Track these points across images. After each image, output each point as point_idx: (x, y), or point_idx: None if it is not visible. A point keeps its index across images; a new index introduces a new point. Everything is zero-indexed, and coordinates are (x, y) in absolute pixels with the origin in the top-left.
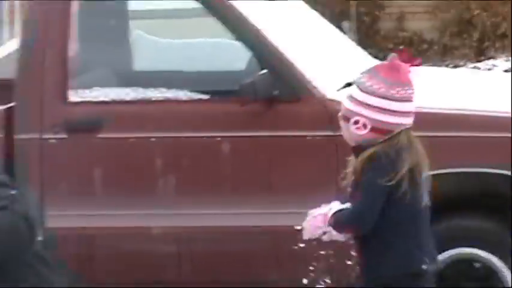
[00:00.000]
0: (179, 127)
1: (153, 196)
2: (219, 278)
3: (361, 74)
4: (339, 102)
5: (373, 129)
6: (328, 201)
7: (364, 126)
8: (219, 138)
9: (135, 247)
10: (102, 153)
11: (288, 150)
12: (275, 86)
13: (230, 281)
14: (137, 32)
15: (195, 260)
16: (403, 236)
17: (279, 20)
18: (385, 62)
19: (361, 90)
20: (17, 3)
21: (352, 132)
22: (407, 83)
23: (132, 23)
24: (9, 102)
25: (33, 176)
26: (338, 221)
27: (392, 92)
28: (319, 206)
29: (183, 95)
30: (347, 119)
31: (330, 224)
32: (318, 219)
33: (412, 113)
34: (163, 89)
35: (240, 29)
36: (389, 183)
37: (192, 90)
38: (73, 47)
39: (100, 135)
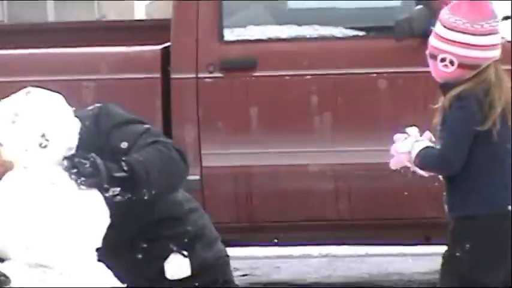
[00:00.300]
0: (334, 64)
1: (308, 134)
2: (378, 215)
3: (445, 9)
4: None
5: (460, 66)
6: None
7: (451, 63)
8: (374, 75)
9: (291, 185)
10: (257, 92)
11: None
12: (431, 22)
13: (388, 218)
14: None
15: (352, 198)
16: (488, 175)
17: None
18: None
19: (445, 26)
20: None
21: (439, 70)
22: (490, 16)
23: None
24: (166, 42)
25: (189, 115)
26: (424, 163)
27: (476, 26)
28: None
29: (338, 32)
30: (434, 57)
31: (415, 164)
32: (401, 158)
33: (499, 45)
34: (318, 27)
35: None
36: (478, 128)
37: (347, 27)
38: None
39: (256, 74)
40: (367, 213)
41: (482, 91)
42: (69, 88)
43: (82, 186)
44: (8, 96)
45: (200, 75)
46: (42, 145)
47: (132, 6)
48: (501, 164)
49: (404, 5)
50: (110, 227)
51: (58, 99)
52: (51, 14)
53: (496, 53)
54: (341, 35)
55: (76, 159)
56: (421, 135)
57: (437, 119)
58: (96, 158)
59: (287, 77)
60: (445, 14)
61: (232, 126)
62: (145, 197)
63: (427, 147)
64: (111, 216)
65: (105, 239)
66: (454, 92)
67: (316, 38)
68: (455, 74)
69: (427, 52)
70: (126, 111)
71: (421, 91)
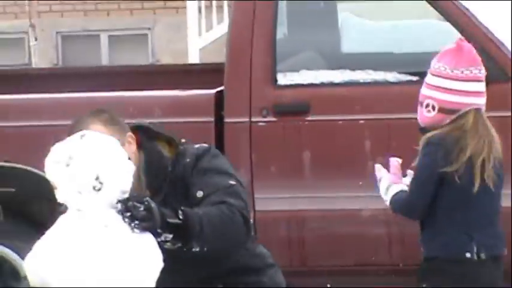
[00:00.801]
0: (388, 109)
1: (362, 178)
2: None
3: (435, 58)
4: None
5: (440, 110)
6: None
7: (433, 108)
8: None
9: (345, 230)
10: (310, 136)
11: (499, 129)
12: (484, 66)
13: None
14: (345, 13)
15: (406, 242)
16: (451, 219)
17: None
18: (451, 45)
19: (431, 73)
20: None
21: (423, 116)
22: (472, 63)
23: (340, 5)
24: (219, 86)
25: (242, 159)
26: (393, 208)
27: (456, 72)
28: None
29: (391, 77)
30: (421, 104)
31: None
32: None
33: (482, 93)
34: (371, 71)
35: (448, 8)
36: (442, 170)
37: (400, 72)
38: (282, 30)
39: (309, 118)
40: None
41: (454, 137)
42: None
43: (135, 230)
44: (62, 139)
45: (253, 119)
46: (96, 188)
47: (186, 50)
48: (465, 209)
49: None
50: (187, 264)
51: (112, 142)
52: (105, 51)
53: (478, 101)
54: (394, 80)
55: (130, 203)
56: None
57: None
58: (151, 202)
59: (340, 122)
60: (432, 62)
61: (285, 170)
62: (197, 250)
63: (401, 191)
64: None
65: (182, 274)
66: (424, 137)
67: (369, 83)
68: (436, 118)
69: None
70: (228, 162)
71: None
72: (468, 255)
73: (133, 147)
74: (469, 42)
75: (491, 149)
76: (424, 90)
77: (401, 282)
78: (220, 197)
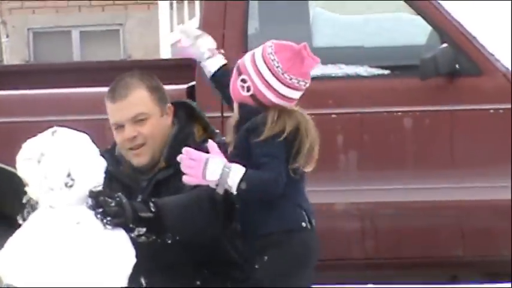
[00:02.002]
0: (360, 103)
1: (335, 172)
2: (402, 254)
3: (271, 43)
4: None
5: (252, 96)
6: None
7: (248, 89)
8: (400, 113)
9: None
10: None
11: (471, 124)
12: (456, 60)
13: (413, 257)
14: (317, 8)
15: (378, 237)
16: (284, 195)
17: None
18: (295, 46)
19: (263, 57)
20: None
21: (236, 87)
22: (304, 76)
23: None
24: (191, 81)
25: None
26: (252, 188)
27: (286, 76)
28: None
29: (363, 70)
30: (239, 72)
31: (238, 190)
32: (207, 182)
33: (294, 100)
34: (343, 65)
35: (420, 2)
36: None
37: (372, 66)
38: (253, 25)
39: None
40: (393, 252)
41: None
42: (95, 127)
43: (107, 226)
44: (34, 136)
45: (225, 114)
46: (68, 184)
47: (158, 45)
48: (294, 187)
49: (430, 43)
50: (173, 248)
51: (84, 138)
52: (77, 47)
53: (288, 104)
54: (366, 73)
55: (101, 198)
56: None
57: (230, 137)
58: (122, 197)
59: (312, 116)
60: (269, 46)
61: None
62: (169, 241)
63: (245, 172)
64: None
65: (165, 259)
66: (259, 119)
67: (341, 77)
68: (245, 99)
69: (238, 62)
70: None
71: (447, 129)
72: (304, 224)
73: (169, 119)
74: (441, 36)
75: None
76: (249, 66)
77: (374, 277)
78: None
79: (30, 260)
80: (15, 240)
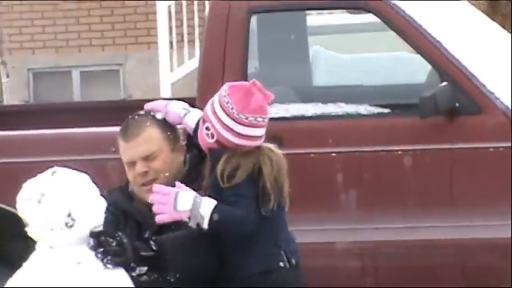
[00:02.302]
0: (360, 142)
1: (334, 211)
2: None
3: (225, 86)
4: None
5: (217, 141)
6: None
7: (212, 136)
8: (400, 152)
9: (318, 263)
10: None
11: (471, 162)
12: (456, 99)
13: None
14: (316, 47)
15: (379, 275)
16: (259, 235)
17: (459, 32)
18: (246, 84)
19: (219, 102)
20: (194, 21)
21: (202, 135)
22: (258, 111)
23: (311, 38)
24: None
25: None
26: (224, 222)
27: (242, 116)
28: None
29: (363, 109)
30: (204, 121)
31: (210, 223)
32: (177, 216)
33: (259, 137)
34: (343, 104)
35: (420, 41)
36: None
37: (372, 105)
38: (253, 64)
39: (281, 151)
40: None
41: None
42: (96, 167)
43: (108, 265)
44: (34, 176)
45: None
46: (68, 224)
47: (158, 85)
48: (271, 226)
49: (429, 82)
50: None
51: (84, 178)
52: (77, 87)
53: (253, 143)
54: (366, 112)
55: (102, 238)
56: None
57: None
58: (123, 236)
59: (312, 155)
60: (223, 90)
61: None
62: (172, 279)
63: (217, 205)
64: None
65: None
66: (222, 166)
67: (341, 116)
68: (212, 146)
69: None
70: None
71: (447, 167)
72: (281, 264)
73: (181, 157)
74: (440, 74)
75: (277, 176)
76: (209, 113)
77: None
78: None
79: None
80: (15, 280)
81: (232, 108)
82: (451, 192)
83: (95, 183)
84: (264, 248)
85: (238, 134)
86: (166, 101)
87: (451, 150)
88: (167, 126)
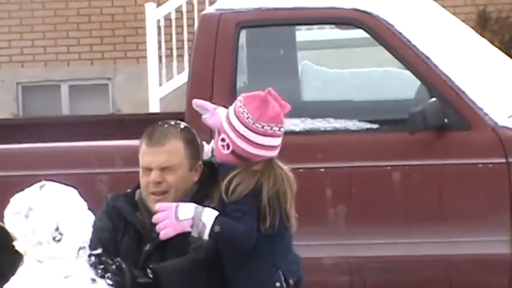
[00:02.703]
0: (348, 157)
1: (323, 226)
2: None
3: (241, 96)
4: (511, 129)
5: (232, 152)
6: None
7: (228, 146)
8: (389, 168)
9: (306, 278)
10: None
11: (460, 178)
12: (445, 114)
13: None
14: (305, 62)
15: None
16: (258, 254)
17: (448, 48)
18: (261, 93)
19: (235, 112)
20: (184, 36)
21: (218, 148)
22: (274, 120)
23: (300, 53)
24: None
25: None
26: (227, 233)
27: (258, 125)
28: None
29: (352, 125)
30: (219, 133)
31: (212, 233)
32: (181, 225)
33: (276, 147)
34: (332, 119)
35: (409, 57)
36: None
37: (361, 120)
38: (242, 79)
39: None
40: None
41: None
42: (84, 181)
43: (108, 281)
44: (22, 190)
45: None
46: (56, 239)
47: (147, 100)
48: (269, 242)
49: (418, 97)
50: None
51: (72, 192)
52: (66, 101)
53: (270, 154)
54: (355, 127)
55: (103, 258)
56: None
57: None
58: (122, 262)
59: (301, 170)
60: (238, 101)
61: None
62: None
63: (219, 216)
64: None
65: None
66: (227, 180)
67: (330, 131)
68: (228, 158)
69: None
70: None
71: (436, 183)
72: (278, 284)
73: (197, 176)
74: (429, 90)
75: (289, 193)
76: (225, 124)
77: None
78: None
79: None
80: None
81: (248, 118)
82: (439, 208)
83: (83, 198)
84: (260, 267)
85: (254, 143)
86: (216, 105)
87: (439, 166)
88: (193, 143)
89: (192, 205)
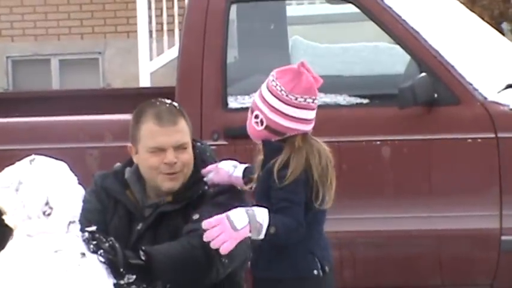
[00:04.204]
0: (338, 132)
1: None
2: (381, 283)
3: (274, 71)
4: (500, 105)
5: (266, 128)
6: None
7: (261, 122)
8: (378, 142)
9: None
10: None
11: (449, 153)
12: (435, 89)
13: (392, 286)
14: (295, 37)
15: (357, 265)
16: (298, 243)
17: (437, 23)
18: (294, 66)
19: (268, 87)
20: (174, 10)
21: (251, 125)
22: (308, 92)
23: (290, 29)
24: None
25: None
26: (284, 233)
27: (291, 97)
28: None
29: (342, 99)
30: (252, 111)
31: (269, 236)
32: (241, 234)
33: (311, 120)
34: (322, 94)
35: (399, 32)
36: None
37: (351, 95)
38: (232, 53)
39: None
40: (372, 281)
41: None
42: (74, 156)
43: (100, 258)
44: (12, 164)
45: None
46: (46, 213)
47: (137, 74)
48: (308, 229)
49: (408, 72)
50: None
51: (62, 167)
52: (56, 76)
53: (304, 128)
54: (345, 102)
55: (96, 235)
56: None
57: (256, 174)
58: (115, 242)
59: None
60: (271, 76)
61: None
62: None
63: (271, 216)
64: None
65: None
66: (278, 163)
67: (320, 106)
68: (262, 134)
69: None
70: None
71: (425, 158)
72: (315, 272)
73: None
74: (419, 65)
75: (331, 168)
76: (258, 100)
77: None
78: (191, 227)
79: None
80: None
81: (281, 90)
82: (429, 183)
83: (74, 172)
84: (299, 255)
85: (288, 116)
86: (216, 163)
87: (429, 141)
88: (188, 121)
89: (243, 210)
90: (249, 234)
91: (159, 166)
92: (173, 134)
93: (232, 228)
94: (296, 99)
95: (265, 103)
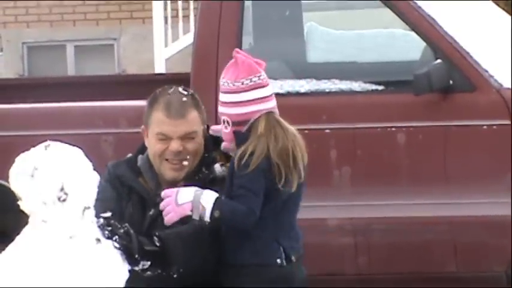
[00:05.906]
0: (353, 118)
1: (327, 188)
2: (396, 270)
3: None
4: None
5: (234, 124)
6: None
7: (228, 123)
8: (394, 129)
9: (310, 239)
10: None
11: (464, 139)
12: (450, 76)
13: (407, 273)
14: (311, 23)
15: (371, 252)
16: (263, 228)
17: (453, 10)
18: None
19: (220, 90)
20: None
21: (224, 133)
22: (251, 73)
23: (305, 15)
24: None
25: None
26: (229, 214)
27: (237, 84)
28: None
29: (357, 86)
30: (222, 122)
31: (212, 215)
32: (182, 209)
33: (269, 97)
34: (337, 81)
35: (415, 18)
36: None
37: (366, 81)
38: (247, 40)
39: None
40: (386, 268)
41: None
42: (89, 142)
43: (115, 244)
44: (27, 150)
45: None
46: (61, 199)
47: (152, 60)
48: (275, 217)
49: (423, 59)
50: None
51: (77, 153)
52: (71, 62)
53: (265, 106)
54: (360, 89)
55: (111, 221)
56: None
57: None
58: (130, 228)
59: (306, 131)
60: (220, 78)
61: None
62: (175, 275)
63: (219, 197)
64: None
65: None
66: (240, 151)
67: (335, 92)
68: (231, 133)
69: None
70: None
71: (441, 145)
72: (278, 261)
73: (203, 140)
74: (435, 51)
75: (295, 149)
76: (219, 108)
77: None
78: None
79: (22, 275)
80: (7, 254)
81: (229, 84)
82: (443, 170)
83: (89, 158)
84: (262, 242)
85: (244, 101)
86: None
87: (444, 128)
88: (201, 109)
89: (192, 189)
90: (189, 213)
91: (164, 152)
92: (180, 125)
93: (174, 202)
94: (242, 83)
95: (223, 104)
